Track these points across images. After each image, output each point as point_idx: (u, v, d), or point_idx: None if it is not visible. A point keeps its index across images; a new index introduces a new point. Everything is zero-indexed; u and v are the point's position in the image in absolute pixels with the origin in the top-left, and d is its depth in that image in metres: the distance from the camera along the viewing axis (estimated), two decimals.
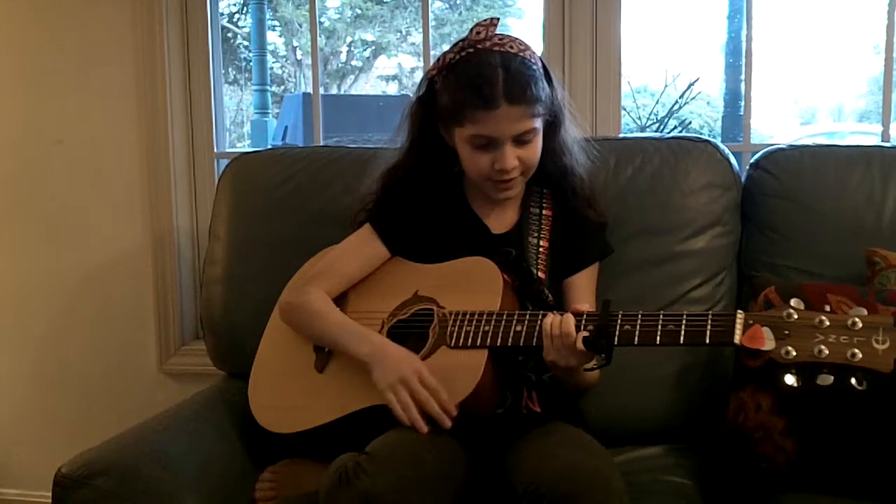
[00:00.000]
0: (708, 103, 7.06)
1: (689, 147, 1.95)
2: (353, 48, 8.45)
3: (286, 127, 5.63)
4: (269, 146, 4.41)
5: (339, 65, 8.34)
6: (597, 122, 2.30)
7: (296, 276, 1.82)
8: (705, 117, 7.09)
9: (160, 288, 2.55)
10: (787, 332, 1.26)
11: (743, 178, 1.97)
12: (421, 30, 2.47)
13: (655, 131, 5.92)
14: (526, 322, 1.49)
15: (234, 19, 7.29)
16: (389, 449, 1.41)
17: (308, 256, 1.85)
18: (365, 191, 1.80)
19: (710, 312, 1.37)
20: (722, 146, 1.96)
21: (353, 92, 8.35)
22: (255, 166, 2.14)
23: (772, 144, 2.02)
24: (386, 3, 7.95)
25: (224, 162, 2.45)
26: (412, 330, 1.62)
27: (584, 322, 1.43)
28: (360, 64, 8.49)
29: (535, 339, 1.47)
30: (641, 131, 5.92)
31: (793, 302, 1.28)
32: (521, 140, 1.60)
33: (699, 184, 1.91)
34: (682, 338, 1.36)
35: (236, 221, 2.10)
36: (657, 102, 6.28)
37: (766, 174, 1.93)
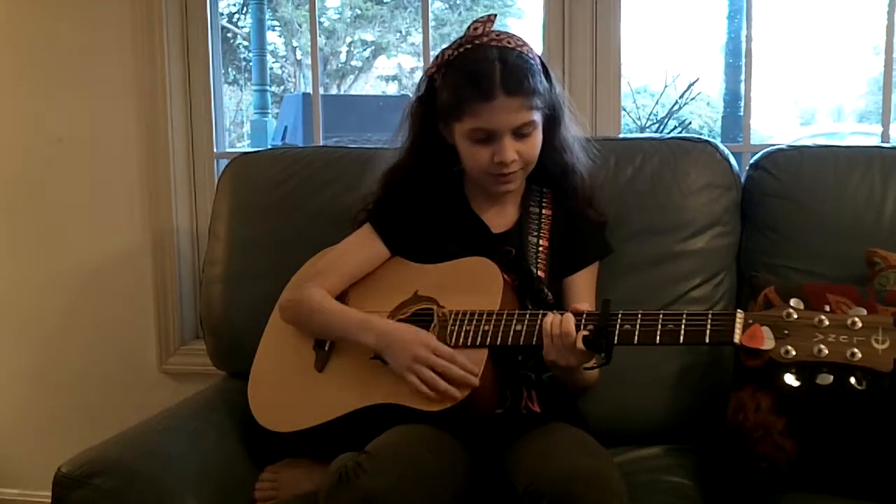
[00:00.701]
0: (708, 104, 7.06)
1: (689, 147, 1.95)
2: (352, 48, 8.45)
3: (286, 127, 5.63)
4: (269, 146, 4.41)
5: (339, 65, 8.33)
6: (597, 122, 2.30)
7: (295, 277, 1.82)
8: (705, 118, 7.09)
9: (160, 288, 2.55)
10: (786, 331, 1.26)
11: (743, 179, 1.97)
12: (421, 30, 2.47)
13: (655, 132, 5.92)
14: (526, 321, 1.49)
15: (234, 19, 7.29)
16: (389, 448, 1.41)
17: (308, 256, 1.85)
18: (365, 191, 1.80)
19: (710, 312, 1.37)
20: (722, 146, 1.97)
21: (352, 92, 8.35)
22: (255, 166, 2.14)
23: (772, 145, 2.02)
24: (386, 3, 7.95)
25: (224, 162, 2.45)
26: None
27: (583, 321, 1.44)
28: (359, 64, 8.49)
29: (534, 339, 1.47)
30: (641, 131, 5.92)
31: (792, 301, 1.28)
32: (519, 133, 1.60)
33: (699, 184, 1.91)
34: (681, 337, 1.37)
35: (236, 221, 2.10)
36: (657, 103, 6.28)
37: (766, 174, 1.93)
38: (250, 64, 7.02)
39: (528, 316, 1.50)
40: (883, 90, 2.22)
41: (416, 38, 7.58)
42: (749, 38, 2.29)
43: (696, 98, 6.30)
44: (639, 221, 1.88)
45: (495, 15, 1.64)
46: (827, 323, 1.24)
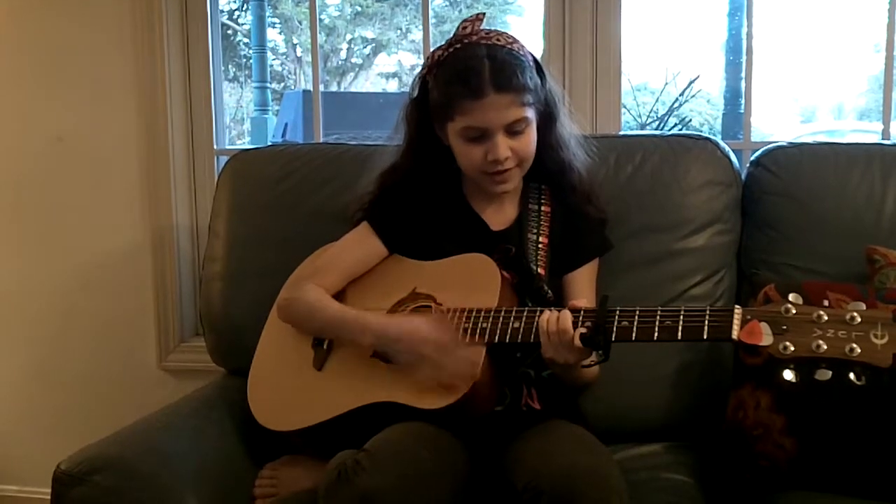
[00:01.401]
0: (708, 101, 7.06)
1: (690, 145, 1.95)
2: (353, 45, 8.46)
3: (286, 124, 5.64)
4: (269, 143, 4.42)
5: (339, 62, 8.34)
6: (597, 119, 2.30)
7: (294, 274, 1.82)
8: (705, 115, 7.09)
9: (160, 285, 2.55)
10: (785, 327, 1.26)
11: (743, 176, 1.97)
12: (421, 27, 2.47)
13: (656, 129, 5.92)
14: (524, 319, 1.49)
15: (234, 16, 7.29)
16: (388, 447, 1.40)
17: (307, 253, 1.85)
18: (362, 191, 1.80)
19: (708, 308, 1.37)
20: (722, 144, 1.96)
21: (353, 89, 8.36)
22: (255, 163, 2.14)
23: (772, 142, 2.02)
24: (386, 0, 7.95)
25: (224, 159, 2.45)
26: None
27: (581, 318, 1.43)
28: (360, 61, 8.50)
29: (533, 336, 1.47)
30: (642, 129, 5.92)
31: (791, 297, 1.28)
32: (512, 130, 1.59)
33: (699, 181, 1.90)
34: (679, 333, 1.36)
35: (236, 218, 2.10)
36: (657, 100, 6.28)
37: (767, 172, 1.93)
38: (250, 61, 7.03)
39: (526, 313, 1.50)
40: (883, 88, 2.21)
41: (417, 35, 7.58)
42: (750, 36, 2.29)
43: (696, 95, 6.31)
44: (639, 219, 1.88)
45: (484, 14, 1.64)
46: (826, 318, 1.24)
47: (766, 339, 1.27)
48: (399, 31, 8.23)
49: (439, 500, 1.39)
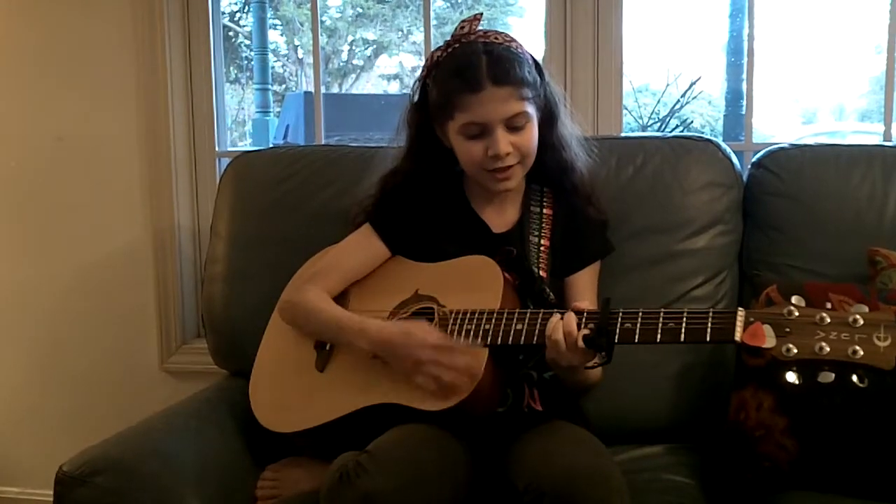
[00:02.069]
0: (709, 102, 7.06)
1: (691, 146, 1.95)
2: (354, 47, 8.46)
3: (287, 126, 5.63)
4: (271, 145, 4.42)
5: (341, 64, 8.34)
6: (598, 121, 2.30)
7: (296, 276, 1.82)
8: (707, 116, 7.09)
9: (161, 286, 2.55)
10: (787, 329, 1.26)
11: (744, 178, 1.97)
12: (422, 29, 2.47)
13: (657, 130, 5.92)
14: (526, 320, 1.49)
15: (236, 18, 7.30)
16: (390, 448, 1.40)
17: (309, 255, 1.85)
18: (363, 193, 1.80)
19: (711, 310, 1.37)
20: (723, 145, 1.96)
21: (354, 91, 8.36)
22: (257, 165, 2.14)
23: (773, 144, 2.02)
24: (387, 1, 7.95)
25: (225, 161, 2.45)
26: None
27: (584, 320, 1.43)
28: (361, 63, 8.49)
29: (535, 338, 1.47)
30: (643, 130, 5.92)
31: (794, 299, 1.28)
32: (513, 125, 1.59)
33: (700, 183, 1.91)
34: (682, 335, 1.36)
35: (238, 220, 2.10)
36: (658, 102, 6.27)
37: (768, 173, 1.93)
38: (252, 63, 7.03)
39: (528, 315, 1.50)
40: (885, 89, 2.21)
41: (418, 36, 7.58)
42: (751, 37, 2.29)
43: (697, 97, 6.30)
44: (640, 220, 1.88)
45: (481, 14, 1.65)
46: (828, 320, 1.24)
47: (769, 341, 1.27)
48: (400, 33, 8.23)
49: (441, 501, 1.39)
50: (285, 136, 5.52)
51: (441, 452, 1.44)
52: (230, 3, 6.93)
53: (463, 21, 1.65)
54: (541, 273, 1.67)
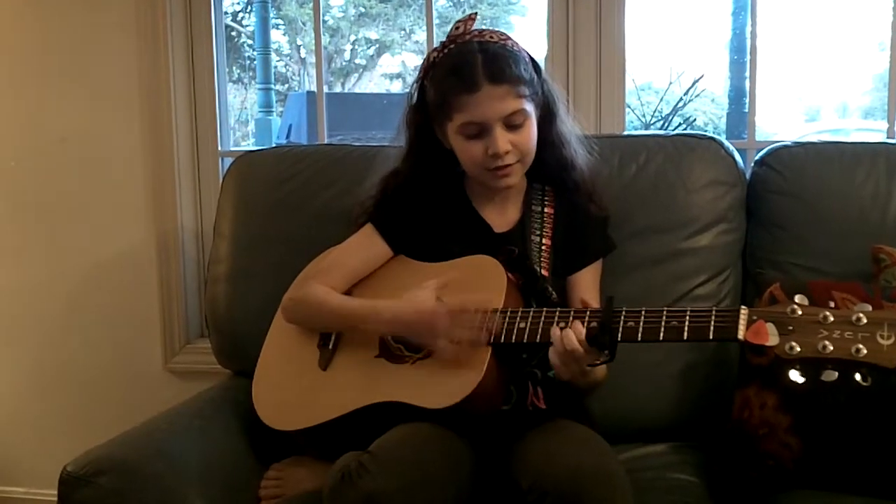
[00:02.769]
0: (712, 100, 7.05)
1: (694, 144, 1.94)
2: (356, 46, 8.46)
3: (290, 125, 5.63)
4: (274, 144, 4.42)
5: (343, 63, 8.34)
6: (601, 119, 2.30)
7: (299, 277, 1.82)
8: (710, 114, 7.08)
9: (165, 286, 2.55)
10: (791, 327, 1.26)
11: (748, 176, 1.97)
12: (425, 28, 2.47)
13: (660, 129, 5.91)
14: (530, 319, 1.49)
15: (238, 18, 7.30)
16: (393, 448, 1.40)
17: (312, 254, 1.85)
18: (365, 195, 1.80)
19: (714, 308, 1.37)
20: (726, 143, 1.96)
21: (356, 90, 8.35)
22: (260, 164, 2.14)
23: (776, 141, 2.02)
24: (390, 1, 7.95)
25: (228, 160, 2.45)
26: None
27: (587, 318, 1.43)
28: (363, 62, 8.50)
29: (538, 337, 1.47)
30: (646, 129, 5.91)
31: (797, 298, 1.28)
32: (511, 124, 1.59)
33: (703, 181, 1.90)
34: (685, 334, 1.36)
35: (241, 219, 2.10)
36: (661, 100, 6.26)
37: (771, 171, 1.93)
38: (254, 62, 7.03)
39: (531, 314, 1.50)
40: (888, 86, 2.21)
41: (420, 35, 7.58)
42: (754, 35, 2.28)
43: (700, 95, 6.29)
44: (643, 219, 1.88)
45: (476, 13, 1.65)
46: (832, 319, 1.24)
47: (773, 339, 1.27)
48: (403, 32, 8.23)
49: (444, 501, 1.39)
50: (288, 136, 5.52)
51: (444, 452, 1.44)
52: (233, 3, 6.94)
53: (458, 21, 1.65)
54: (543, 272, 1.67)
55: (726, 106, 6.68)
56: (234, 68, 7.33)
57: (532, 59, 1.66)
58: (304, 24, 7.94)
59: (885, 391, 1.49)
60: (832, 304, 1.26)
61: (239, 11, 7.27)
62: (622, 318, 1.40)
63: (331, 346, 1.69)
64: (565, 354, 1.42)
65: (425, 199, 1.72)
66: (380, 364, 1.60)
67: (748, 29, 2.32)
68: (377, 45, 8.42)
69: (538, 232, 1.70)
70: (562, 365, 1.45)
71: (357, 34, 8.34)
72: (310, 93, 5.16)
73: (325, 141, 2.55)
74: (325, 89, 2.64)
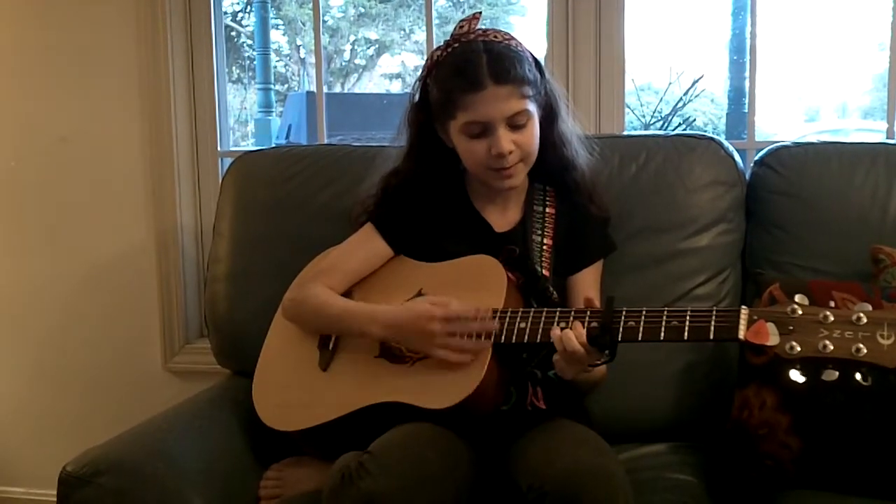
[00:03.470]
0: (712, 101, 7.05)
1: (693, 144, 1.94)
2: (356, 46, 8.45)
3: (290, 125, 5.63)
4: (273, 145, 4.41)
5: (343, 63, 8.33)
6: (600, 119, 2.30)
7: (299, 277, 1.82)
8: (709, 115, 7.07)
9: (164, 286, 2.55)
10: (791, 327, 1.26)
11: (747, 176, 1.97)
12: (424, 28, 2.47)
13: (659, 129, 5.91)
14: (530, 319, 1.49)
15: (238, 18, 7.31)
16: (393, 449, 1.41)
17: (312, 254, 1.85)
18: (365, 194, 1.80)
19: (714, 308, 1.37)
20: (726, 143, 1.96)
21: (356, 90, 8.35)
22: (259, 165, 2.14)
23: (776, 142, 2.02)
24: (389, 1, 7.95)
25: (228, 160, 2.45)
26: None
27: (588, 318, 1.43)
28: (363, 62, 8.49)
29: (539, 337, 1.47)
30: (645, 129, 5.91)
31: (797, 298, 1.28)
32: (514, 124, 1.59)
33: (703, 181, 1.90)
34: (685, 334, 1.36)
35: (240, 219, 2.10)
36: (661, 100, 6.26)
37: (771, 171, 1.93)
38: (254, 63, 7.03)
39: (532, 314, 1.50)
40: (888, 86, 2.21)
41: (420, 35, 7.58)
42: (753, 35, 2.28)
43: (700, 95, 6.28)
44: (643, 219, 1.88)
45: (480, 12, 1.65)
46: (832, 319, 1.24)
47: (773, 339, 1.27)
48: (402, 32, 8.23)
49: (444, 501, 1.39)
50: (288, 136, 5.52)
51: (444, 452, 1.44)
52: (232, 4, 6.94)
53: (462, 20, 1.65)
54: (544, 272, 1.67)
55: (726, 106, 6.68)
56: (233, 68, 7.33)
57: (535, 59, 1.66)
58: (303, 24, 7.93)
59: (885, 391, 1.49)
60: (832, 305, 1.26)
61: (238, 11, 7.27)
62: (623, 318, 1.40)
63: (331, 347, 1.69)
64: (566, 354, 1.42)
65: (426, 198, 1.72)
66: (380, 364, 1.60)
67: (748, 29, 2.32)
68: (377, 46, 8.42)
69: (539, 232, 1.70)
70: (565, 364, 1.45)
71: (357, 34, 8.34)
72: (309, 93, 5.16)
73: (325, 141, 2.55)
74: (325, 89, 2.64)
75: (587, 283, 1.72)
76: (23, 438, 2.72)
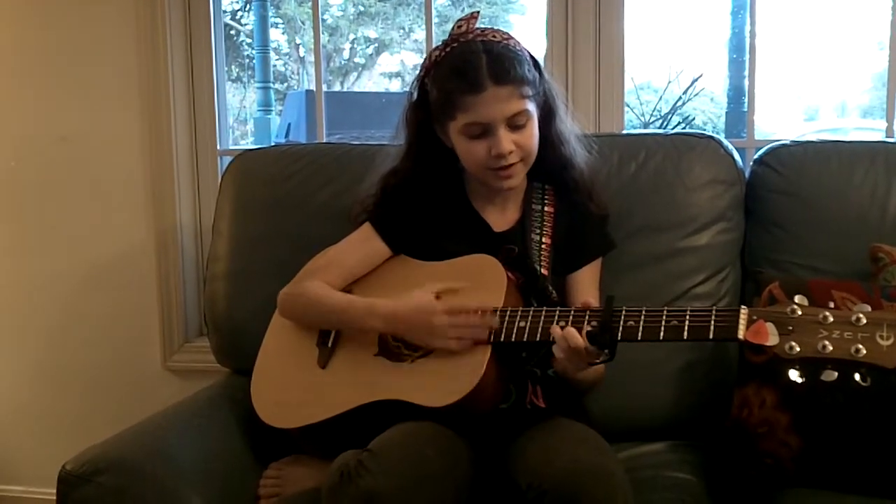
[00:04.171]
0: (711, 99, 7.05)
1: (693, 143, 1.95)
2: (355, 45, 8.45)
3: (289, 124, 5.63)
4: (273, 143, 4.41)
5: (342, 62, 8.33)
6: (600, 118, 2.30)
7: (297, 276, 1.82)
8: (709, 113, 7.08)
9: (164, 285, 2.55)
10: (790, 327, 1.26)
11: (747, 175, 1.97)
12: (424, 26, 2.47)
13: (659, 128, 5.91)
14: (530, 318, 1.49)
15: (237, 17, 7.30)
16: (392, 447, 1.41)
17: (311, 253, 1.85)
18: (364, 193, 1.80)
19: (714, 308, 1.37)
20: (725, 142, 1.96)
21: (355, 89, 8.35)
22: (258, 163, 2.14)
23: (775, 140, 2.02)
24: (388, 0, 7.95)
25: (227, 159, 2.44)
26: None
27: (588, 318, 1.43)
28: (362, 61, 8.49)
29: (538, 336, 1.47)
30: (645, 128, 5.91)
31: (797, 298, 1.28)
32: (514, 124, 1.59)
33: (702, 180, 1.90)
34: (685, 333, 1.36)
35: (239, 218, 2.10)
36: (660, 99, 6.27)
37: (770, 170, 1.93)
38: (253, 61, 7.03)
39: (532, 313, 1.50)
40: (887, 85, 2.21)
41: (420, 34, 7.57)
42: (753, 34, 2.28)
43: (699, 94, 6.29)
44: (642, 218, 1.88)
45: (478, 12, 1.65)
46: (831, 319, 1.24)
47: (772, 339, 1.27)
48: (402, 31, 8.23)
49: (443, 500, 1.39)
50: (287, 135, 5.51)
51: (443, 451, 1.44)
52: (231, 2, 6.94)
53: (460, 20, 1.65)
54: (543, 271, 1.67)
55: (725, 105, 6.68)
56: (232, 67, 7.33)
57: (533, 59, 1.66)
58: (302, 22, 7.93)
59: (884, 391, 1.49)
60: (832, 304, 1.27)
61: (238, 10, 7.26)
62: (622, 317, 1.40)
63: (330, 345, 1.69)
64: (569, 351, 1.42)
65: (425, 197, 1.72)
66: (379, 362, 1.60)
67: (747, 28, 2.32)
68: (376, 44, 8.42)
69: (538, 231, 1.70)
70: (566, 362, 1.45)
71: (356, 33, 8.34)
72: (308, 91, 5.16)
73: (324, 140, 2.55)
74: (324, 88, 2.64)
75: (586, 282, 1.72)
76: (23, 437, 2.72)
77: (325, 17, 7.82)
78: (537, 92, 1.63)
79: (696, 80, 5.99)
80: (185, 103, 2.53)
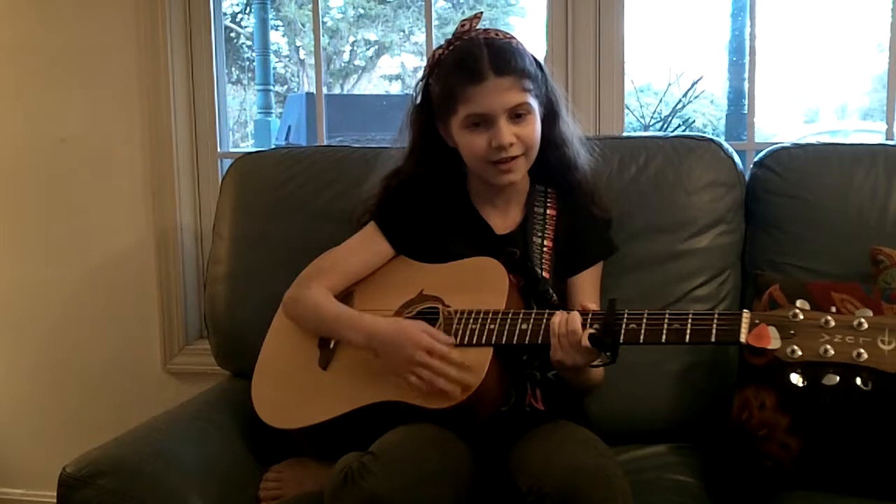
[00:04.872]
0: (711, 102, 7.04)
1: (693, 146, 1.95)
2: (356, 48, 8.45)
3: (289, 127, 5.62)
4: (273, 146, 4.41)
5: (342, 64, 8.33)
6: (600, 120, 2.30)
7: (301, 275, 1.82)
8: (709, 116, 7.07)
9: (164, 287, 2.55)
10: (792, 331, 1.26)
11: (747, 177, 1.97)
12: (424, 29, 2.47)
13: (659, 130, 5.91)
14: (531, 321, 1.49)
15: (238, 19, 7.30)
16: (394, 449, 1.41)
17: (311, 255, 1.85)
18: (366, 194, 1.81)
19: (716, 311, 1.38)
20: (725, 144, 1.96)
21: (356, 91, 8.34)
22: (259, 166, 2.15)
23: (775, 143, 2.02)
24: (389, 2, 7.94)
25: (227, 162, 2.45)
26: None
27: (589, 320, 1.43)
28: (363, 63, 8.49)
29: (540, 338, 1.47)
30: (645, 130, 5.91)
31: (798, 302, 1.28)
32: (515, 115, 1.60)
33: (703, 182, 1.91)
34: (687, 336, 1.36)
35: (240, 221, 2.10)
36: (661, 101, 6.26)
37: (770, 172, 1.93)
38: (254, 64, 7.02)
39: (533, 315, 1.50)
40: (887, 87, 2.21)
41: (420, 37, 7.57)
42: (753, 36, 2.28)
43: (699, 96, 6.29)
44: (642, 220, 1.88)
45: (481, 13, 1.66)
46: (833, 324, 1.24)
47: (774, 342, 1.27)
48: (402, 34, 8.22)
49: (444, 502, 1.39)
50: (287, 137, 5.51)
51: (444, 453, 1.44)
52: (231, 5, 6.93)
53: (463, 20, 1.66)
54: (544, 274, 1.67)
55: (725, 107, 6.67)
56: (233, 69, 7.32)
57: (536, 60, 1.66)
58: (303, 25, 7.93)
59: (885, 395, 1.49)
60: (833, 308, 1.27)
61: (238, 12, 7.26)
62: (625, 320, 1.41)
63: (331, 346, 1.69)
64: (569, 335, 1.42)
65: (428, 198, 1.73)
66: (379, 364, 1.60)
67: (747, 30, 2.32)
68: (376, 47, 8.41)
69: (540, 234, 1.71)
70: (562, 352, 1.44)
71: (356, 35, 8.33)
72: (309, 94, 5.16)
73: (325, 142, 2.55)
74: (325, 90, 2.64)
75: (587, 285, 1.72)
76: (23, 439, 2.72)
77: (326, 19, 7.82)
78: (539, 89, 1.64)
79: (696, 82, 5.99)
80: (185, 105, 2.53)
